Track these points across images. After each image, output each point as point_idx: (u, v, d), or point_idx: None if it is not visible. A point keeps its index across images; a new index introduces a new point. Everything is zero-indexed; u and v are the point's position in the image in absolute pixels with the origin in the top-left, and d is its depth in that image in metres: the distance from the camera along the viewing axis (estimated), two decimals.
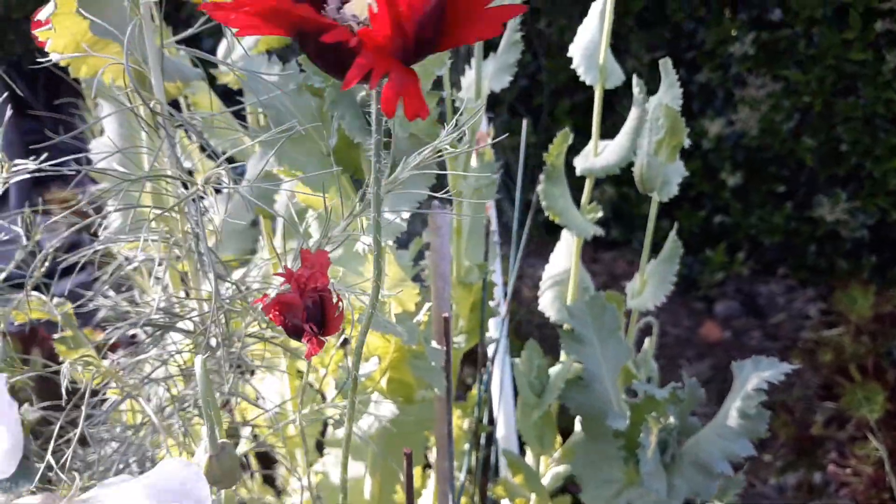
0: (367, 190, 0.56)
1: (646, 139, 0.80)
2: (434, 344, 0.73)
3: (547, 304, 0.98)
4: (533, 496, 0.94)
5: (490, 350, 1.01)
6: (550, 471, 1.02)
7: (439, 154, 0.59)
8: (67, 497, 0.29)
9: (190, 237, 0.57)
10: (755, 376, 0.77)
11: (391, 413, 0.74)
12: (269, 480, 1.06)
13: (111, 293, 0.83)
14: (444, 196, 0.64)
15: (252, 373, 0.85)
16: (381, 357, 0.72)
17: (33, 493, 0.38)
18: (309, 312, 0.53)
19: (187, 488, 0.31)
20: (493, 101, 2.27)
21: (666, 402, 0.77)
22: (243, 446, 1.02)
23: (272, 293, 0.60)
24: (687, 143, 0.85)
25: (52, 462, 0.51)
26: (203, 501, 0.31)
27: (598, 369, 0.84)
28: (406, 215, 0.68)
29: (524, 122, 1.04)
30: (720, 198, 2.24)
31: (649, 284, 0.88)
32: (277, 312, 0.54)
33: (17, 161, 0.59)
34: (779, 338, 2.14)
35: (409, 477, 0.65)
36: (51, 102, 1.06)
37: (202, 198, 0.54)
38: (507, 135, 0.84)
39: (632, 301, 0.90)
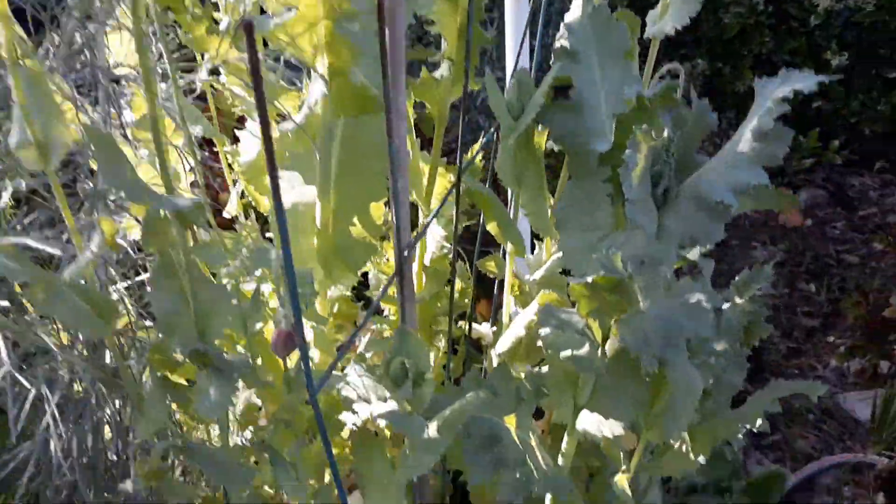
0: None
1: None
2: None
3: None
4: (509, 247, 0.76)
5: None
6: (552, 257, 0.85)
7: None
8: None
9: None
10: (781, 90, 0.56)
11: (321, 93, 0.59)
12: None
13: None
14: None
15: None
16: (307, 18, 0.55)
17: None
18: None
19: None
20: None
21: (658, 105, 0.57)
22: None
23: None
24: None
25: None
26: None
27: (594, 95, 0.65)
28: None
29: None
30: None
31: (672, 6, 0.67)
32: None
33: None
34: (865, 231, 1.85)
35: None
36: None
37: None
38: None
39: (652, 27, 0.69)
